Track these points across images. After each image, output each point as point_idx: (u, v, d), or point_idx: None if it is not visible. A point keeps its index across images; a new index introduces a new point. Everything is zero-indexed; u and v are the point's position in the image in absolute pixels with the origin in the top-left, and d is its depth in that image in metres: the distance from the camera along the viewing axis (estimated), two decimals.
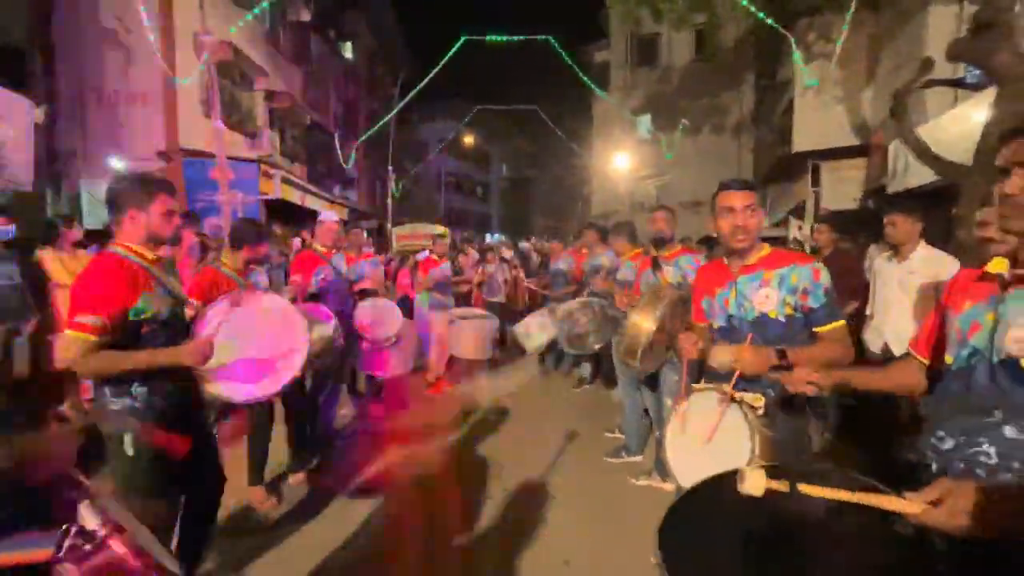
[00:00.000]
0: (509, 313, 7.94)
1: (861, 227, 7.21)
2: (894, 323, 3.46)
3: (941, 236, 4.68)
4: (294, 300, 3.76)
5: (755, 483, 1.07)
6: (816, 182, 10.48)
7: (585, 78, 11.97)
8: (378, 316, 4.45)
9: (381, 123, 14.58)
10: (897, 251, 3.47)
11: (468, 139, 31.48)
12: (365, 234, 6.54)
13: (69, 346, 1.82)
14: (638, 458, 4.03)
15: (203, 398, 2.24)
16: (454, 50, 10.29)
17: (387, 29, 23.02)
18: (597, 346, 4.67)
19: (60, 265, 4.74)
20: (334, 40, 18.95)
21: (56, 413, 3.69)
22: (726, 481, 1.21)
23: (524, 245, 11.69)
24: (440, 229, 15.63)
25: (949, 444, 1.17)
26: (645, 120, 18.11)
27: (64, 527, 0.89)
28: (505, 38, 10.82)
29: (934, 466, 1.19)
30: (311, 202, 13.54)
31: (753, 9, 8.12)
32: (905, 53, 7.96)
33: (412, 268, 7.40)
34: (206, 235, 5.94)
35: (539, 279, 8.09)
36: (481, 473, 3.86)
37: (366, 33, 21.49)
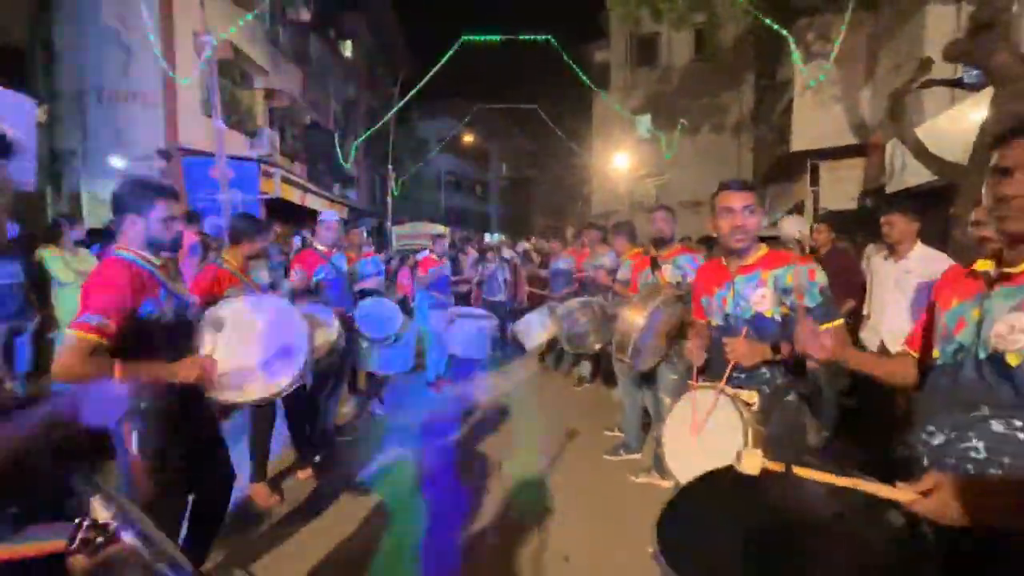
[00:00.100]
0: (509, 312, 7.96)
1: (860, 226, 7.24)
2: (891, 322, 3.49)
3: (939, 235, 4.71)
4: (295, 294, 3.80)
5: (751, 463, 1.09)
6: (815, 181, 10.51)
7: (585, 78, 11.98)
8: (378, 315, 4.48)
9: (381, 122, 14.60)
10: (894, 250, 3.50)
11: (468, 138, 31.46)
12: (364, 233, 6.56)
13: (70, 345, 1.81)
14: (637, 456, 4.06)
15: (208, 396, 2.26)
16: (453, 50, 10.31)
17: (387, 28, 23.03)
18: (597, 345, 4.70)
19: (63, 264, 4.77)
20: (334, 39, 18.96)
21: None
22: (722, 476, 1.24)
23: (524, 245, 11.69)
24: (440, 228, 15.67)
25: (939, 439, 1.20)
26: (645, 120, 18.13)
27: (77, 520, 0.91)
28: (505, 37, 10.84)
29: (925, 460, 1.21)
30: (311, 201, 13.57)
31: (752, 9, 8.15)
32: (904, 53, 7.98)
33: (412, 268, 7.43)
34: (207, 234, 5.96)
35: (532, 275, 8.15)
36: (481, 471, 3.88)
37: (366, 32, 21.50)
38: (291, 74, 15.09)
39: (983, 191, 1.21)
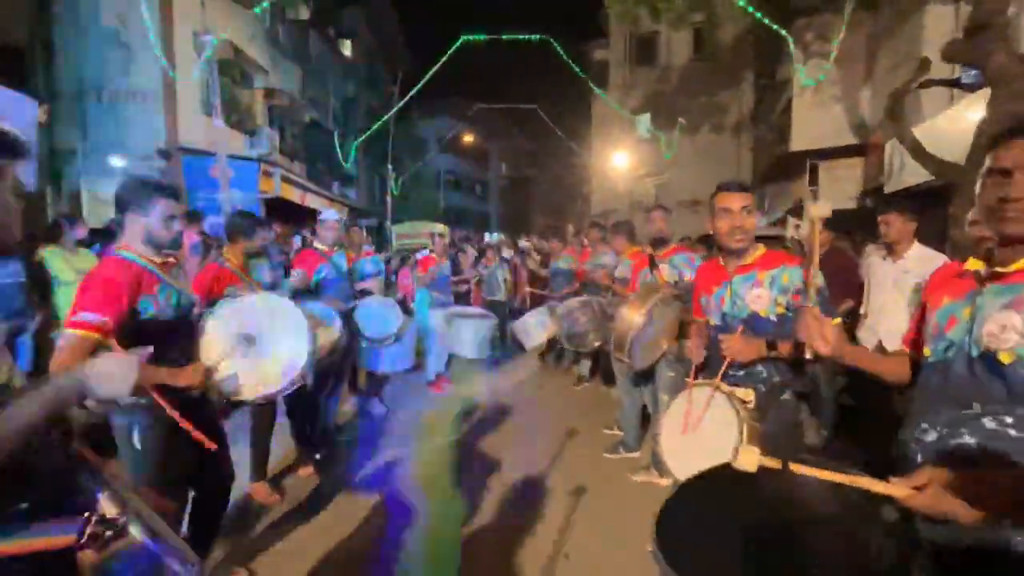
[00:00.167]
0: (509, 312, 7.98)
1: (859, 226, 7.25)
2: (888, 322, 3.50)
3: (937, 235, 4.73)
4: (296, 293, 3.81)
5: (749, 460, 1.11)
6: (814, 181, 10.53)
7: (584, 77, 11.99)
8: (379, 314, 4.49)
9: (381, 121, 14.60)
10: (892, 250, 3.51)
11: (468, 137, 31.47)
12: (364, 232, 6.57)
13: (69, 343, 1.81)
14: (636, 454, 4.08)
15: (209, 394, 2.27)
16: (453, 49, 10.32)
17: (386, 27, 23.03)
18: (596, 344, 4.72)
19: (64, 263, 4.78)
20: (333, 38, 18.96)
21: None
22: (719, 473, 1.26)
23: (523, 244, 11.73)
24: (439, 227, 15.67)
25: (932, 436, 1.21)
26: (644, 119, 18.12)
27: (86, 515, 0.93)
28: (505, 37, 10.85)
29: (918, 457, 1.23)
30: (311, 200, 13.58)
31: (751, 9, 8.16)
32: (902, 53, 8.00)
33: (412, 268, 7.44)
34: (208, 234, 5.97)
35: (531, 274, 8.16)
36: (481, 469, 3.90)
37: (365, 31, 21.50)
38: (291, 73, 15.09)
39: (977, 191, 1.20)
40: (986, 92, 5.02)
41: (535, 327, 5.51)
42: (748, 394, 1.74)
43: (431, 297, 6.03)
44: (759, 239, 2.13)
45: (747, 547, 1.19)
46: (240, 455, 3.29)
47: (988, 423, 1.13)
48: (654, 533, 1.10)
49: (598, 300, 4.79)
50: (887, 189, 7.62)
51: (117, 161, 9.62)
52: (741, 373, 1.96)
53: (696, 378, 2.00)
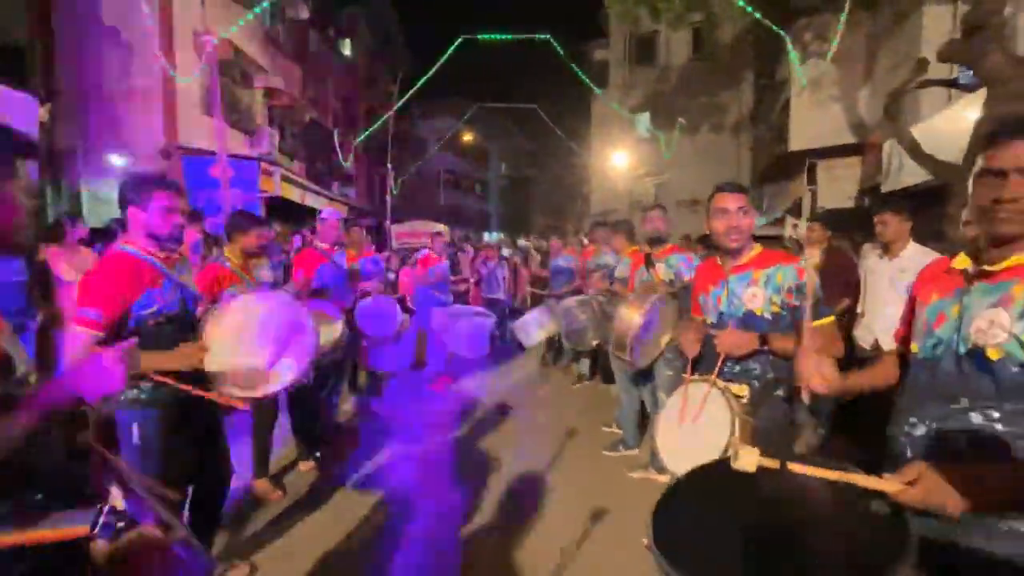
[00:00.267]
0: (509, 311, 8.00)
1: (857, 225, 7.28)
2: (885, 320, 3.52)
3: (935, 234, 4.75)
4: (298, 296, 3.83)
5: (748, 460, 1.14)
6: (812, 180, 10.57)
7: (584, 77, 12.01)
8: (379, 313, 4.52)
9: (380, 121, 14.62)
10: (888, 249, 3.54)
11: (467, 137, 31.51)
12: (364, 231, 6.59)
13: (75, 340, 1.86)
14: (635, 452, 4.11)
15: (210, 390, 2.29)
16: (452, 49, 10.33)
17: (386, 26, 23.06)
18: (595, 342, 4.75)
19: (65, 262, 4.80)
20: (333, 37, 18.99)
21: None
22: (716, 468, 1.29)
23: (523, 243, 11.77)
24: (439, 227, 15.69)
25: (921, 430, 1.24)
26: (644, 119, 18.17)
27: (98, 506, 0.95)
28: (504, 36, 10.87)
29: (908, 452, 1.25)
30: (311, 200, 13.60)
31: (749, 9, 8.18)
32: (901, 53, 8.03)
33: (412, 267, 7.46)
34: (209, 233, 5.99)
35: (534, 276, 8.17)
36: (480, 467, 3.93)
37: (365, 30, 21.52)
38: (290, 72, 15.11)
39: (970, 191, 1.22)
40: (984, 92, 5.05)
41: (535, 326, 5.54)
42: (742, 390, 1.78)
43: (431, 296, 6.06)
44: (759, 238, 2.16)
45: (743, 542, 1.20)
46: (241, 452, 3.32)
47: (975, 418, 1.15)
48: (650, 527, 1.13)
49: (597, 299, 4.81)
50: (885, 188, 7.64)
51: (117, 160, 9.64)
52: (736, 369, 1.99)
53: (692, 374, 2.02)
